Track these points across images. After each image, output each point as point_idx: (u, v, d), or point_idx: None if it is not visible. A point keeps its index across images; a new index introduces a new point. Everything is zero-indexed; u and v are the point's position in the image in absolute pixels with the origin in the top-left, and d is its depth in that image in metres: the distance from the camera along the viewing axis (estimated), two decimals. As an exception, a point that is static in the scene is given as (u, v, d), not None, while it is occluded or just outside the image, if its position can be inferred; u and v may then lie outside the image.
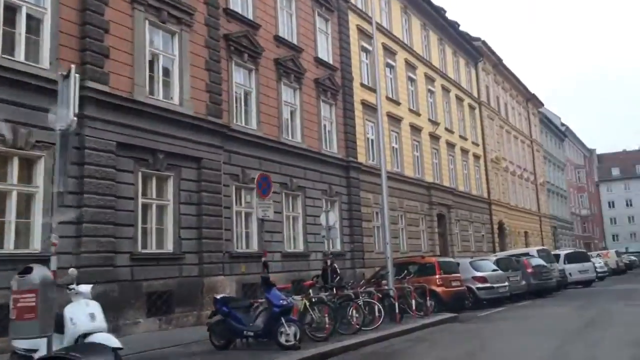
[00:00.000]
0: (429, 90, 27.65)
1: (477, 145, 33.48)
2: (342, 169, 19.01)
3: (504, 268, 15.94)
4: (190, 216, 12.54)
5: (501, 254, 20.92)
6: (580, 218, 64.84)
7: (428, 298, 11.88)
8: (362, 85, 21.26)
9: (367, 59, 22.19)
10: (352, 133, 19.91)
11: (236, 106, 14.85)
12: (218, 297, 8.97)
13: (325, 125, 18.73)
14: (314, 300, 9.41)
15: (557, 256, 22.60)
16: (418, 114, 25.77)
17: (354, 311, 9.84)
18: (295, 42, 17.43)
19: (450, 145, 29.13)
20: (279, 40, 16.62)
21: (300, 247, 16.62)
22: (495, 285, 14.65)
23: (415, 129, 25.26)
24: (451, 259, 15.21)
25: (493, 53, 37.38)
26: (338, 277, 12.17)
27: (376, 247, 20.52)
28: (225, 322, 8.53)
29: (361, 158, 20.23)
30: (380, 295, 10.98)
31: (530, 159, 46.04)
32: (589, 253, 35.24)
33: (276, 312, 8.17)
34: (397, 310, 10.82)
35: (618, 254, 39.09)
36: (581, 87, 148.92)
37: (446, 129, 28.91)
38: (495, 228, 34.04)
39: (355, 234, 18.92)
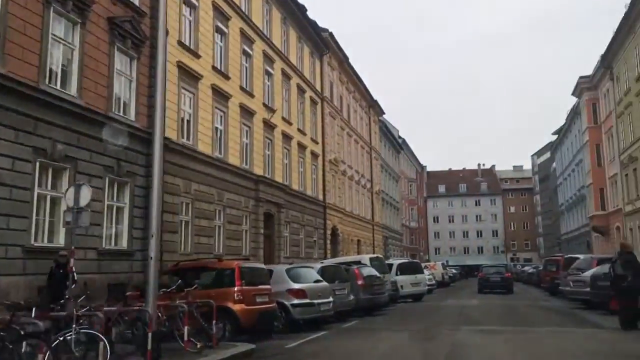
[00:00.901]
0: (267, 72, 24.24)
1: (316, 142, 30.90)
2: (141, 143, 14.59)
3: (330, 279, 12.82)
4: None
5: (329, 262, 18.05)
6: (409, 230, 66.59)
7: (215, 321, 8.10)
8: (180, 44, 17.02)
9: (191, 15, 18.04)
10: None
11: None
12: None
13: (119, 83, 14.20)
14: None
15: (390, 266, 20.49)
16: (251, 95, 22.15)
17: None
18: (82, -39, 12.71)
19: (287, 138, 26.01)
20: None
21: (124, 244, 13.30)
22: (316, 301, 11.38)
23: (247, 112, 21.61)
24: (260, 265, 11.33)
25: (340, 49, 35.34)
26: (74, 285, 7.84)
27: (182, 247, 16.37)
28: None
29: (171, 133, 15.97)
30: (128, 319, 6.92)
31: (369, 165, 45.15)
32: (418, 264, 34.49)
33: None
34: (149, 346, 6.81)
35: (444, 266, 39.25)
36: (417, 108, 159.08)
37: (284, 118, 25.73)
38: (328, 233, 31.68)
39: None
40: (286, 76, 26.44)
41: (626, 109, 31.15)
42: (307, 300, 11.05)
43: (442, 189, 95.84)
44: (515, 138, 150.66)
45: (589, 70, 38.24)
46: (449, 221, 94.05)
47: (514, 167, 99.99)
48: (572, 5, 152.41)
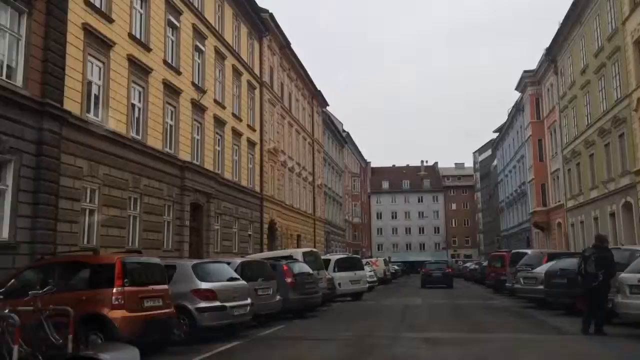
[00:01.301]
0: (197, 48, 21.99)
1: (254, 130, 28.85)
2: (32, 115, 12.19)
3: (252, 276, 10.86)
4: None
5: (253, 257, 16.07)
6: (352, 225, 65.47)
7: (71, 334, 5.94)
8: (88, 3, 14.62)
9: (102, -29, 15.64)
10: (60, 66, 13.18)
11: None
12: None
13: (1, 41, 11.76)
14: None
15: (327, 262, 18.79)
16: (178, 72, 19.89)
17: None
18: None
19: (220, 123, 23.86)
20: None
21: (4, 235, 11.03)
22: (229, 304, 9.24)
23: (172, 90, 19.33)
24: (154, 260, 8.78)
25: (281, 33, 33.36)
26: None
27: (83, 239, 14.02)
28: None
29: (72, 106, 13.59)
30: None
31: (311, 158, 43.45)
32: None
33: None
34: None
35: (386, 262, 38.05)
36: (361, 104, 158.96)
37: (216, 101, 23.56)
38: (265, 227, 29.73)
39: (43, 217, 12.20)
40: (220, 55, 24.26)
41: (570, 103, 30.77)
42: (218, 303, 8.93)
43: (385, 185, 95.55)
44: (458, 136, 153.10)
45: (534, 66, 37.90)
46: (392, 217, 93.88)
47: (456, 164, 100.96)
48: (518, 5, 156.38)
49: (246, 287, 9.74)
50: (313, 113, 44.85)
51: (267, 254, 18.08)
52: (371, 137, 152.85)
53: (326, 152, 50.40)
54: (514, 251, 20.62)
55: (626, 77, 22.02)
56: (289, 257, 14.72)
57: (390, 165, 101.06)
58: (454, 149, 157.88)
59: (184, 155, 20.01)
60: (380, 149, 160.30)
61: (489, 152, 73.57)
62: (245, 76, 27.74)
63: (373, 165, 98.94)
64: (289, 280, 12.39)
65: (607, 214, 25.10)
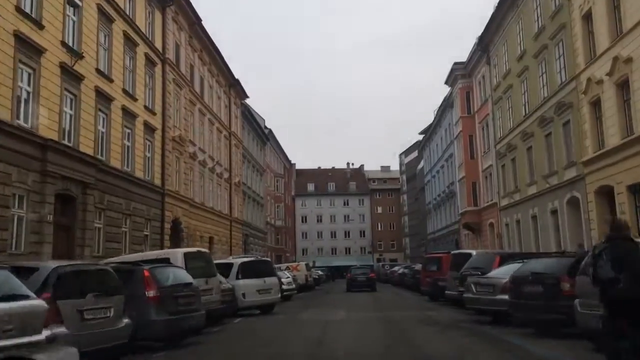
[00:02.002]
0: (71, 2, 17.57)
1: (153, 113, 24.54)
2: None
3: (80, 290, 6.73)
4: None
5: (113, 260, 11.93)
6: (275, 228, 61.67)
7: None
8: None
9: None
10: None
11: None
12: None
13: None
14: None
15: (229, 267, 14.98)
16: (39, 25, 15.45)
17: None
18: None
19: (105, 98, 19.45)
20: None
21: None
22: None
23: (29, 47, 14.88)
24: None
25: (191, 6, 29.22)
26: None
27: None
28: None
29: None
30: None
31: (227, 153, 39.35)
32: (277, 265, 29.50)
33: None
34: None
35: (308, 267, 34.61)
36: (286, 105, 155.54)
37: (99, 71, 19.15)
38: (167, 227, 25.43)
39: None
40: (105, 16, 19.86)
41: (505, 94, 28.68)
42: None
43: (311, 187, 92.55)
44: (385, 138, 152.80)
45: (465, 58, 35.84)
46: (318, 221, 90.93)
47: (382, 167, 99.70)
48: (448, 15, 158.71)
49: (38, 309, 5.49)
50: (230, 104, 40.79)
51: (132, 256, 13.70)
52: (297, 139, 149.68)
53: (246, 148, 46.43)
54: (454, 252, 17.51)
55: (572, 58, 19.78)
56: (166, 261, 10.78)
57: (316, 168, 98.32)
58: (380, 151, 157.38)
59: (46, 131, 15.56)
60: (306, 152, 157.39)
61: (415, 153, 72.21)
62: (142, 48, 23.41)
63: (298, 167, 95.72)
64: (151, 293, 8.43)
65: (547, 211, 22.91)
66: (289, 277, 23.93)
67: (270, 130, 58.68)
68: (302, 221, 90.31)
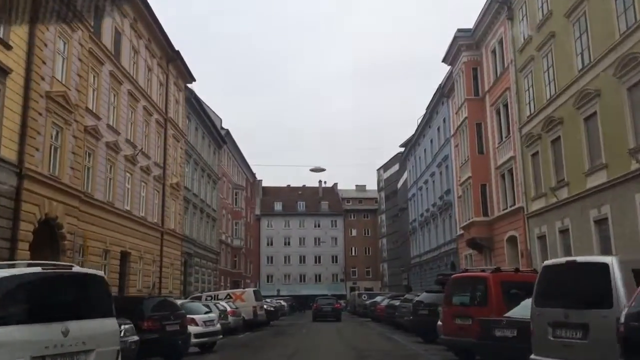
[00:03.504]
0: None
1: (7, 47, 15.32)
2: None
3: None
4: None
5: None
6: (232, 249, 52.04)
7: None
8: None
9: None
10: None
11: None
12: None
13: None
14: None
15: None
16: None
17: None
18: None
19: None
20: None
21: None
22: None
23: None
24: None
25: None
26: None
27: None
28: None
29: None
30: None
31: (160, 143, 30.08)
32: (209, 293, 20.29)
33: None
34: None
35: (258, 295, 25.16)
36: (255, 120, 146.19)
37: None
38: (26, 230, 15.99)
39: None
40: None
41: (539, 51, 20.27)
42: None
43: (278, 206, 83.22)
44: (360, 156, 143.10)
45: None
46: (285, 244, 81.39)
47: (357, 186, 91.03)
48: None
49: None
50: (168, 83, 31.64)
51: None
52: (264, 154, 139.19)
53: (192, 145, 37.20)
54: (547, 263, 8.17)
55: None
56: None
57: (285, 186, 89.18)
58: (355, 170, 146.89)
59: None
60: (274, 169, 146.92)
61: (396, 167, 63.82)
62: None
63: (265, 184, 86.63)
64: None
65: (589, 221, 14.28)
66: (211, 315, 14.61)
67: (228, 132, 49.54)
68: (268, 244, 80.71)
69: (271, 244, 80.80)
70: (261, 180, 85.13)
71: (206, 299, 22.35)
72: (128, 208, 24.71)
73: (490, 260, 26.19)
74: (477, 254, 28.45)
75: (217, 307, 18.75)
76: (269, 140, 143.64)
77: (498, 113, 25.57)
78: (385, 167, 71.78)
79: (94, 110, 21.28)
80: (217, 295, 23.23)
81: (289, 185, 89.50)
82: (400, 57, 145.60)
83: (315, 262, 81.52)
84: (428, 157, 42.18)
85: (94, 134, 21.10)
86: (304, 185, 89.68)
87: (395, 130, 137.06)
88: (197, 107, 38.12)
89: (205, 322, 13.54)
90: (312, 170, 28.77)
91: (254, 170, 68.45)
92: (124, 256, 24.22)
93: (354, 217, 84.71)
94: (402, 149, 57.39)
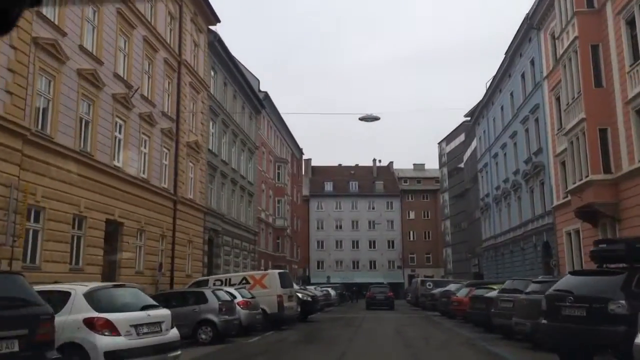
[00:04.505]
0: None
1: None
2: None
3: None
4: None
5: None
6: (273, 230, 45.89)
7: None
8: None
9: None
10: None
11: None
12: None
13: None
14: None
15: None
16: None
17: None
18: None
19: None
20: None
21: None
22: None
23: None
24: None
25: None
26: None
27: None
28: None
29: None
30: None
31: (174, 93, 23.97)
32: (218, 279, 13.89)
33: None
34: None
35: (285, 280, 18.20)
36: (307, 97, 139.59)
37: None
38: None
39: None
40: None
41: None
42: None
43: (329, 187, 76.55)
44: (418, 134, 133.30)
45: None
46: (336, 227, 74.72)
47: (415, 165, 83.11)
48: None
49: None
50: (183, 17, 25.36)
51: None
52: (314, 134, 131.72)
53: (219, 103, 31.00)
54: None
55: None
56: None
57: (336, 165, 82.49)
58: (413, 148, 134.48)
59: None
60: (324, 148, 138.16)
61: (461, 137, 55.84)
62: None
63: (314, 164, 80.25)
64: None
65: None
66: (157, 314, 8.03)
67: (267, 96, 43.16)
68: (318, 227, 74.28)
69: (321, 227, 74.35)
70: (310, 158, 78.99)
71: (214, 284, 16.08)
72: (119, 164, 18.64)
73: (614, 236, 18.56)
74: (590, 228, 20.81)
75: (218, 297, 12.35)
76: (315, 120, 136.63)
77: (630, 23, 17.80)
78: (448, 139, 63.73)
79: (56, 22, 15.16)
80: (230, 279, 16.85)
81: (340, 165, 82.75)
82: (448, 43, 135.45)
83: (370, 247, 74.50)
84: (506, 114, 34.37)
85: (54, 53, 14.96)
86: (356, 165, 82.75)
87: (451, 115, 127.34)
88: (224, 58, 31.77)
89: (138, 328, 7.09)
90: (361, 119, 21.83)
91: (301, 145, 62.20)
92: (114, 227, 18.23)
93: (411, 198, 76.98)
94: (468, 119, 49.55)
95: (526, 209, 30.31)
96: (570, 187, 20.89)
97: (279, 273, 16.75)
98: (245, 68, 39.58)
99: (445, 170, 66.26)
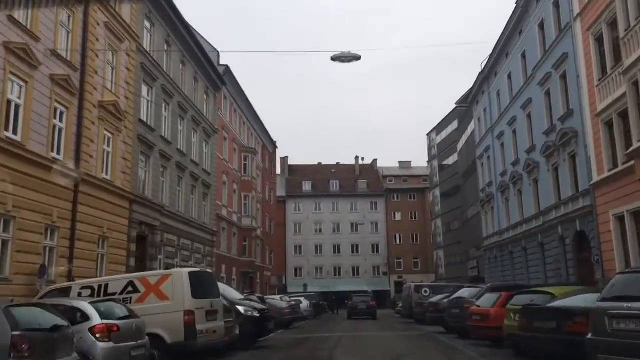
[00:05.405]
0: None
1: None
2: None
3: None
4: None
5: None
6: (239, 230, 39.09)
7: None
8: None
9: None
10: None
11: None
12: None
13: None
14: None
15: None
16: None
17: None
18: None
19: None
20: None
21: None
22: None
23: None
24: None
25: None
26: None
27: None
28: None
29: None
30: None
31: (77, 30, 17.20)
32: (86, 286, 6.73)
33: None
34: None
35: (200, 286, 10.87)
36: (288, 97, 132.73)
37: None
38: None
39: None
40: None
41: None
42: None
43: (307, 186, 69.99)
44: (404, 130, 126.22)
45: None
46: (316, 230, 68.12)
47: (400, 162, 76.88)
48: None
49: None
50: None
51: None
52: (295, 133, 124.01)
53: (156, 62, 24.27)
54: None
55: None
56: None
57: (316, 163, 75.97)
58: (398, 145, 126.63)
59: None
60: (303, 146, 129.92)
61: (454, 124, 49.68)
62: None
63: (292, 162, 73.77)
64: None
65: None
66: None
67: (229, 70, 36.50)
68: (295, 231, 67.63)
69: (299, 231, 67.67)
70: (287, 157, 72.53)
71: (80, 294, 9.49)
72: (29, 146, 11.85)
73: None
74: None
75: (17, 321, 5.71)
76: (294, 115, 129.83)
77: None
78: (438, 129, 57.56)
79: None
80: (107, 285, 9.95)
81: (320, 163, 76.29)
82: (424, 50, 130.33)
83: (353, 252, 67.94)
84: (516, 82, 28.22)
85: None
86: (338, 163, 76.35)
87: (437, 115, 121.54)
88: (166, 8, 25.09)
89: None
90: (334, 58, 15.27)
91: (275, 139, 55.63)
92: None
93: (397, 198, 70.67)
94: (462, 105, 43.51)
95: (547, 193, 24.01)
96: (636, 145, 14.51)
97: (190, 273, 9.87)
98: (200, 35, 33.01)
99: (435, 163, 60.10)
